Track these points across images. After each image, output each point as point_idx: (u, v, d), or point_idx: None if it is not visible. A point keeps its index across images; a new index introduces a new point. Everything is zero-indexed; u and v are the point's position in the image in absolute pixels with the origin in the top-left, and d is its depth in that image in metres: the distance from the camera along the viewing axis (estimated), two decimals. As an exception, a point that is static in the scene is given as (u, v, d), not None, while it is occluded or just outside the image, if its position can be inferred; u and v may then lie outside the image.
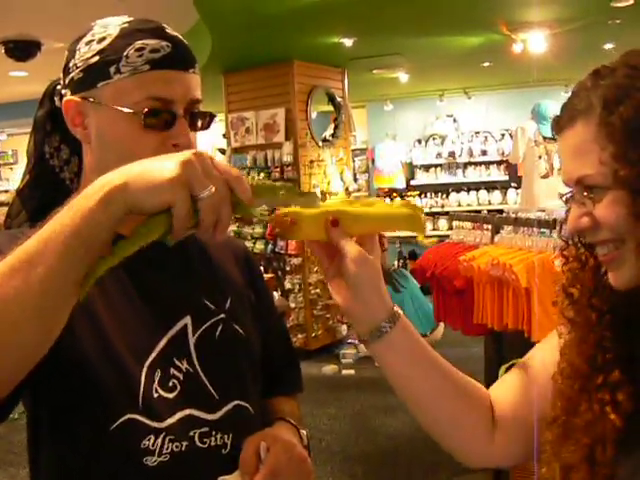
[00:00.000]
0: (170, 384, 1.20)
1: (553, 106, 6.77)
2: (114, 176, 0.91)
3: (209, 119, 1.28)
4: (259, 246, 8.05)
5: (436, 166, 11.92)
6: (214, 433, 1.23)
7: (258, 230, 8.08)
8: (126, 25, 1.22)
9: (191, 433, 1.20)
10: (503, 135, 11.46)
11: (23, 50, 7.14)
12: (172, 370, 1.21)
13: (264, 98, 7.91)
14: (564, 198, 1.08)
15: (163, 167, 0.89)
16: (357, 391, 6.57)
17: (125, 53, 1.18)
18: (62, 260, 0.88)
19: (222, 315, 1.31)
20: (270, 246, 8.01)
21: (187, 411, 1.21)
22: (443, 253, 4.41)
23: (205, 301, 1.31)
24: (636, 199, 0.95)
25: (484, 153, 11.61)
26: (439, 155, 11.83)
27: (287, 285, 7.85)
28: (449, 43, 7.61)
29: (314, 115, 8.22)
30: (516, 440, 1.19)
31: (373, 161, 12.23)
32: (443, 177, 11.86)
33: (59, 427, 1.19)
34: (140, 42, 1.18)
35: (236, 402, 1.28)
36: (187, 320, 1.26)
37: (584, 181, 1.00)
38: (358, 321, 1.11)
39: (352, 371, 7.25)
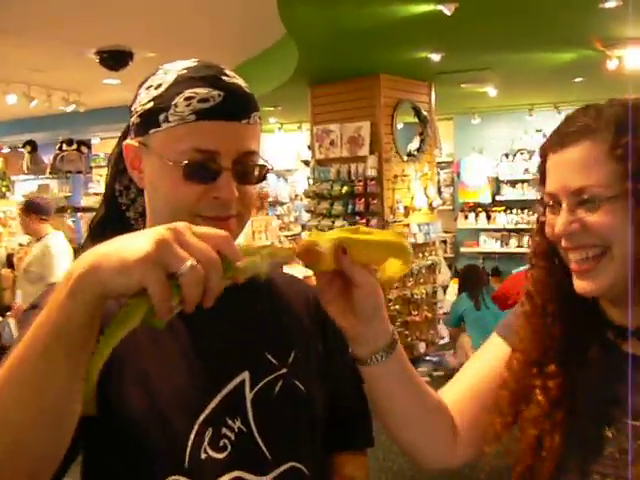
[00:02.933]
0: (221, 444, 1.16)
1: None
2: (82, 260, 0.85)
3: (264, 172, 1.23)
4: (339, 259, 7.99)
5: (523, 181, 11.66)
6: None
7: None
8: (184, 72, 1.19)
9: None
10: (594, 152, 11.13)
11: (116, 59, 7.34)
12: (224, 429, 1.17)
13: (349, 111, 7.87)
14: (539, 205, 1.24)
15: (134, 246, 0.82)
16: (433, 412, 6.44)
17: (174, 102, 1.16)
18: (47, 361, 0.85)
19: (283, 370, 1.26)
20: (350, 260, 7.94)
21: (236, 473, 1.16)
22: (526, 280, 4.27)
23: (267, 355, 1.26)
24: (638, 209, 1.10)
25: (574, 170, 11.29)
26: (527, 170, 11.58)
27: (366, 300, 7.77)
28: (540, 59, 7.43)
29: (400, 126, 8.14)
30: (470, 440, 1.33)
31: (459, 175, 12.08)
32: (530, 193, 11.59)
33: None
34: (190, 91, 1.15)
35: (290, 464, 1.22)
36: (245, 375, 1.21)
37: (585, 191, 1.13)
38: (361, 344, 1.17)
39: (429, 390, 7.12)
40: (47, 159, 12.02)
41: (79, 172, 11.11)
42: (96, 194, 13.16)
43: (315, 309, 1.37)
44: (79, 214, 9.06)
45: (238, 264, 0.89)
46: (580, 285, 1.18)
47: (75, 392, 0.89)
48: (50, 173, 11.21)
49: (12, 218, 8.35)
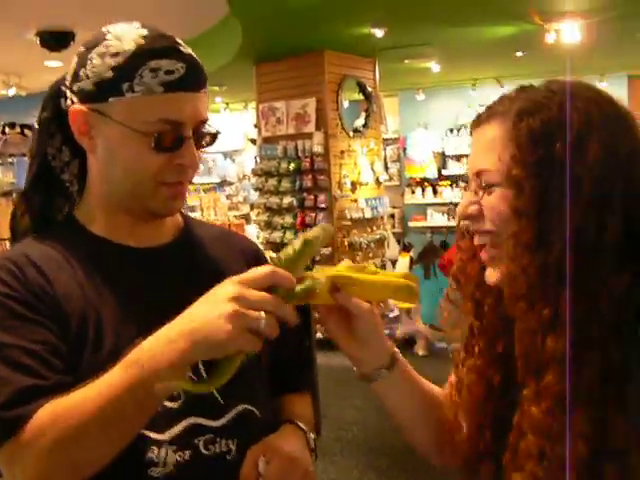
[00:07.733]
0: (174, 393, 1.20)
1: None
2: (178, 340, 1.01)
3: (214, 138, 1.32)
4: (289, 236, 8.03)
5: (468, 156, 11.72)
6: (219, 440, 1.25)
7: (288, 220, 8.07)
8: (142, 41, 1.22)
9: (195, 441, 1.23)
10: (537, 125, 11.30)
11: (57, 40, 7.17)
12: None
13: (295, 88, 7.90)
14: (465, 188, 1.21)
15: (216, 325, 0.99)
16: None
17: (139, 72, 1.19)
18: (142, 411, 1.07)
19: None
20: (300, 236, 7.97)
21: (191, 420, 1.22)
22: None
23: None
24: (519, 197, 1.05)
25: (517, 143, 11.44)
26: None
27: (316, 275, 7.82)
28: (481, 33, 7.53)
29: (346, 104, 8.18)
30: None
31: (405, 150, 12.17)
32: (475, 167, 11.72)
33: None
34: (155, 62, 1.20)
35: (242, 406, 1.28)
36: None
37: (483, 174, 1.12)
38: (363, 365, 1.26)
39: (380, 362, 7.22)
40: (-11, 144, 11.75)
41: (23, 155, 10.92)
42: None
43: (254, 262, 1.40)
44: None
45: (296, 288, 1.06)
46: (486, 274, 1.17)
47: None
48: (-6, 158, 11.00)
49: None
